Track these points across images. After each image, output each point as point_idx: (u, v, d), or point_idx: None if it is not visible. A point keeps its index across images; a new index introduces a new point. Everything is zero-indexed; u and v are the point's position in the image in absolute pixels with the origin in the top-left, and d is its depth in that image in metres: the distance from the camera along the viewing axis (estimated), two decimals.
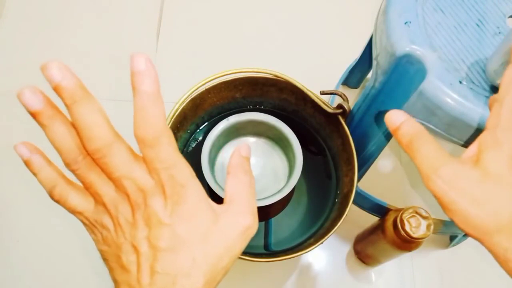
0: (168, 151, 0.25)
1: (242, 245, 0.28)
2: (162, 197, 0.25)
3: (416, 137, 0.30)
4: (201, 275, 0.26)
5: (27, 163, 0.27)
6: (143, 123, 0.24)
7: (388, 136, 0.51)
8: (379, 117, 0.51)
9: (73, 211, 0.27)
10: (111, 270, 0.27)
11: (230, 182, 0.29)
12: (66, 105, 0.23)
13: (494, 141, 0.29)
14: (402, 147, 0.31)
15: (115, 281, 0.27)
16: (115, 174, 0.25)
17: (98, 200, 0.26)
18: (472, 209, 0.28)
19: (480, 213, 0.28)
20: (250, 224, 0.27)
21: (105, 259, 0.28)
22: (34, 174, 0.27)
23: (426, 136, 0.30)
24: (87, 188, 0.26)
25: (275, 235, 0.57)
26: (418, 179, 0.57)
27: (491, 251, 0.29)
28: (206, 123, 0.62)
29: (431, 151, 0.29)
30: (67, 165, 0.25)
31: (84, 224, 0.28)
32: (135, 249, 0.25)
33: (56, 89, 0.23)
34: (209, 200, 0.28)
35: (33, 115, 0.24)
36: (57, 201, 0.27)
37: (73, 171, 0.26)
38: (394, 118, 0.32)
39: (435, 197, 0.30)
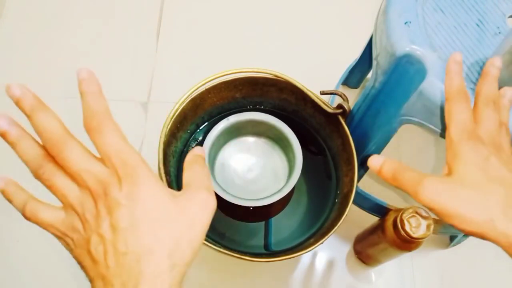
0: (114, 137, 0.28)
1: (203, 219, 0.29)
2: (117, 181, 0.27)
3: (397, 169, 0.36)
4: (164, 251, 0.27)
5: (3, 193, 0.30)
6: (89, 115, 0.28)
7: (392, 132, 0.51)
8: (379, 117, 0.51)
9: (45, 226, 0.29)
10: (85, 269, 0.28)
11: (186, 173, 0.32)
12: (27, 115, 0.28)
13: (455, 155, 0.34)
14: (389, 182, 0.36)
15: (90, 279, 0.28)
16: (74, 167, 0.28)
17: (65, 202, 0.29)
18: (463, 208, 0.32)
19: (471, 209, 0.32)
20: (205, 196, 0.30)
21: (79, 263, 0.29)
22: (9, 200, 0.30)
23: (404, 166, 0.36)
24: (54, 192, 0.29)
25: (275, 235, 0.57)
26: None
27: (495, 242, 0.31)
28: (206, 123, 0.62)
29: (412, 174, 0.35)
30: (34, 172, 0.29)
31: (57, 237, 0.30)
32: (101, 237, 0.27)
33: (17, 102, 0.28)
34: (163, 184, 0.30)
35: (2, 135, 0.28)
36: (29, 218, 0.30)
37: (39, 176, 0.28)
38: (375, 162, 0.37)
39: (428, 208, 0.34)
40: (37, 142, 0.29)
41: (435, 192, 0.33)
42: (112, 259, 0.27)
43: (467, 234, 0.33)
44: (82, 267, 0.29)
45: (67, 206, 0.29)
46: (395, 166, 0.36)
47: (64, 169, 0.28)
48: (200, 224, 0.29)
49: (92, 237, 0.27)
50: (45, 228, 0.30)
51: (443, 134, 0.43)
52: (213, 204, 0.30)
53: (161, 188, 0.29)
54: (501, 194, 0.32)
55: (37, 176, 0.29)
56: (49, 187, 0.29)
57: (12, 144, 0.28)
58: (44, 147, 0.28)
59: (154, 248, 0.27)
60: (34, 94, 0.28)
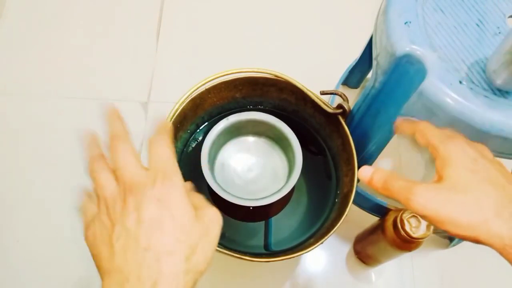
0: (164, 150, 0.31)
1: (215, 231, 0.30)
2: (152, 181, 0.29)
3: (387, 179, 0.35)
4: (182, 254, 0.28)
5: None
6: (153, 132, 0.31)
7: (390, 134, 0.51)
8: (379, 117, 0.51)
9: (101, 186, 0.30)
10: (100, 260, 0.29)
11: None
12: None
13: (443, 160, 0.34)
14: (379, 192, 0.36)
15: (103, 272, 0.28)
16: (119, 164, 0.30)
17: (100, 194, 0.30)
18: (455, 212, 0.32)
19: (463, 213, 0.32)
20: (215, 211, 0.31)
21: (96, 254, 0.29)
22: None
23: (395, 175, 0.35)
24: (95, 185, 0.30)
25: (275, 235, 0.57)
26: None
27: (489, 245, 0.31)
28: (206, 123, 0.62)
29: (402, 182, 0.34)
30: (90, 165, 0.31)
31: (85, 221, 0.31)
32: (125, 229, 0.28)
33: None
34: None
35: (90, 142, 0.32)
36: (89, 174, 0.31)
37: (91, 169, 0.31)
38: (365, 173, 0.37)
39: (420, 215, 0.33)
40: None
41: (427, 199, 0.33)
42: (132, 253, 0.27)
43: (461, 239, 0.33)
44: (98, 259, 0.29)
45: (101, 198, 0.30)
46: (385, 175, 0.36)
47: (111, 165, 0.30)
48: (214, 236, 0.30)
49: (116, 227, 0.28)
50: (99, 187, 0.30)
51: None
52: (221, 219, 0.31)
53: (187, 199, 0.30)
54: (493, 195, 0.32)
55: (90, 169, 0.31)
56: (93, 179, 0.30)
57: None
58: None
59: (174, 250, 0.28)
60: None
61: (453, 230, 0.32)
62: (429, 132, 0.37)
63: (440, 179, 0.34)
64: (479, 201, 0.32)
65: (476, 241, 0.32)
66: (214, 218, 0.31)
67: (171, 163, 0.30)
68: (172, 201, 0.29)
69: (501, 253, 0.31)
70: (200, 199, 0.32)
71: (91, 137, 0.32)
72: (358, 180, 0.55)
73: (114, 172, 0.30)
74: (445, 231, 0.32)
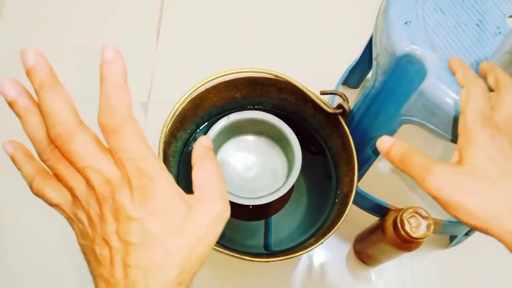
0: (133, 140, 0.24)
1: (216, 231, 0.27)
2: (128, 190, 0.25)
3: (406, 152, 0.34)
4: (174, 266, 0.25)
5: (12, 159, 0.28)
6: (106, 110, 0.24)
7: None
8: (379, 117, 0.51)
9: (50, 204, 0.27)
10: (88, 263, 0.27)
11: (197, 173, 0.29)
12: (35, 90, 0.24)
13: (468, 141, 0.32)
14: (396, 165, 0.34)
15: (92, 275, 0.27)
16: (79, 163, 0.24)
17: (71, 193, 0.26)
18: (469, 201, 0.30)
19: (478, 203, 0.30)
20: (221, 208, 0.27)
21: (84, 253, 0.28)
22: (18, 169, 0.28)
23: (415, 150, 0.34)
24: (60, 181, 0.26)
25: (275, 235, 0.57)
26: None
27: (498, 238, 0.30)
28: (206, 123, 0.62)
29: (421, 159, 0.33)
30: (38, 154, 0.26)
31: (65, 217, 0.28)
32: (107, 243, 0.25)
33: (28, 72, 0.24)
34: (180, 191, 0.27)
35: (10, 104, 0.25)
36: (35, 194, 0.27)
37: (44, 161, 0.26)
38: (384, 143, 0.35)
39: (433, 197, 0.32)
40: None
41: (443, 180, 0.31)
42: (120, 270, 0.25)
43: (470, 227, 0.32)
44: (85, 259, 0.27)
45: (73, 196, 0.26)
46: (404, 148, 0.34)
47: (69, 163, 0.25)
48: (213, 238, 0.27)
49: (97, 238, 0.25)
50: (52, 206, 0.27)
51: (443, 134, 0.43)
52: (227, 215, 0.28)
53: (177, 200, 0.26)
54: (511, 190, 0.30)
55: (42, 160, 0.26)
56: (55, 175, 0.26)
57: (19, 116, 0.25)
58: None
59: (164, 264, 0.25)
60: (50, 68, 0.24)
61: (464, 218, 0.31)
62: (473, 99, 0.34)
63: (460, 161, 0.32)
64: (495, 194, 0.30)
65: (486, 233, 0.31)
66: (217, 217, 0.27)
67: (145, 158, 0.25)
68: (156, 209, 0.25)
69: (510, 250, 0.30)
70: (205, 179, 0.28)
71: (31, 110, 0.25)
72: (358, 180, 0.55)
73: (73, 165, 0.25)
74: (454, 217, 0.31)
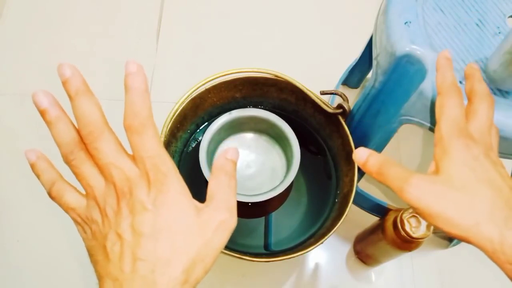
0: (153, 141, 0.27)
1: (220, 239, 0.28)
2: (146, 184, 0.27)
3: (383, 164, 0.34)
4: (180, 265, 0.27)
5: (32, 166, 0.30)
6: (131, 113, 0.27)
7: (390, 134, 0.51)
8: (379, 117, 0.51)
9: (67, 208, 0.29)
10: (95, 264, 0.28)
11: (212, 182, 0.31)
12: (70, 97, 0.27)
13: (444, 151, 0.33)
14: (373, 177, 0.34)
15: (99, 276, 0.28)
16: (104, 160, 0.27)
17: (89, 193, 0.28)
18: (448, 210, 0.31)
19: (456, 212, 0.31)
20: (225, 218, 0.29)
21: (91, 255, 0.29)
22: (38, 176, 0.30)
23: (391, 161, 0.34)
24: (80, 180, 0.28)
25: (275, 235, 0.57)
26: None
27: (478, 246, 0.31)
28: (206, 123, 0.62)
29: (398, 170, 0.33)
30: (64, 157, 0.28)
31: (76, 222, 0.29)
32: (119, 237, 0.27)
33: (65, 82, 0.27)
34: (190, 195, 0.29)
35: (42, 112, 0.28)
36: (53, 198, 0.30)
37: (69, 162, 0.28)
38: (360, 154, 0.35)
39: (412, 207, 0.32)
40: (74, 127, 0.28)
41: (421, 191, 0.31)
42: (129, 263, 0.26)
43: (451, 236, 0.32)
44: (93, 261, 0.28)
45: (90, 196, 0.28)
46: (381, 160, 0.34)
47: (94, 160, 0.28)
48: (217, 246, 0.28)
49: (110, 234, 0.27)
50: (66, 211, 0.29)
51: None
52: (233, 226, 0.29)
53: (187, 200, 0.28)
54: (488, 197, 0.31)
55: (67, 161, 0.28)
56: (76, 175, 0.28)
57: (49, 124, 0.28)
58: (79, 134, 0.28)
59: (171, 260, 0.26)
60: (83, 79, 0.28)
61: (444, 227, 0.31)
62: (447, 110, 0.34)
63: (437, 170, 0.33)
64: (474, 202, 0.31)
65: (467, 241, 0.31)
66: (221, 226, 0.28)
67: (162, 158, 0.28)
68: (169, 206, 0.27)
69: (490, 257, 0.31)
70: (217, 190, 0.30)
71: (61, 117, 0.28)
72: (358, 180, 0.55)
73: (98, 166, 0.28)
74: (435, 227, 0.32)
